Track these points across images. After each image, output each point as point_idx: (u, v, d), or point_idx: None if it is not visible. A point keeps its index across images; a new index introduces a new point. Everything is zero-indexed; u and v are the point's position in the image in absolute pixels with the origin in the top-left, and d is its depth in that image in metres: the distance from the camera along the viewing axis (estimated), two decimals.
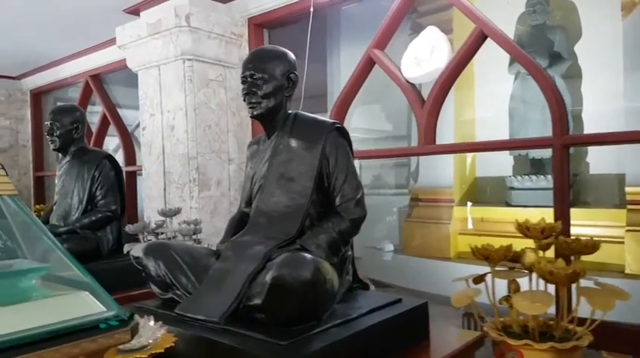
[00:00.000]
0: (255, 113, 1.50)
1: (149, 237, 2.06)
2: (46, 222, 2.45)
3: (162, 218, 2.10)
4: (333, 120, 1.51)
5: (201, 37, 2.80)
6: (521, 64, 2.09)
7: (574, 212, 1.92)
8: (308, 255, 1.23)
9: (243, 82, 1.51)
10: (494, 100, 3.96)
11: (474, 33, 2.06)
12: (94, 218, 2.35)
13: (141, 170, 3.39)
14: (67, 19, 3.38)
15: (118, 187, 2.48)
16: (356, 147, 1.68)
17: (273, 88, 1.48)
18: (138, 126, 3.89)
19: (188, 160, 2.87)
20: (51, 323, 0.79)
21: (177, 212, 2.12)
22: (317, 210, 1.45)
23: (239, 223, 1.63)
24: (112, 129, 4.45)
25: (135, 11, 3.11)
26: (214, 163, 2.96)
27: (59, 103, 2.35)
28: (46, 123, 2.40)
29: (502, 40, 2.03)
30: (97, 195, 2.39)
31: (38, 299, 0.89)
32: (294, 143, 1.49)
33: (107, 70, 3.99)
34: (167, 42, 2.81)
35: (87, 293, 0.90)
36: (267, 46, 1.49)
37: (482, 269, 1.48)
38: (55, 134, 2.36)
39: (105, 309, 0.87)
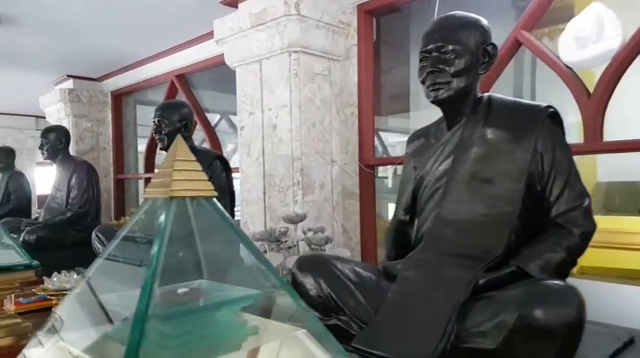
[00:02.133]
0: (442, 96, 1.21)
1: (270, 246, 1.82)
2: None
3: (285, 225, 1.86)
4: (545, 104, 1.19)
5: (309, 26, 2.56)
6: None
7: None
8: (560, 284, 0.92)
9: (424, 59, 1.22)
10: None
11: None
12: None
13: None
14: (151, 17, 3.25)
15: (229, 190, 2.27)
16: None
17: (466, 63, 1.19)
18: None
19: (292, 161, 2.63)
20: None
21: (303, 218, 1.87)
22: (522, 221, 1.14)
23: (400, 236, 1.34)
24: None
25: (232, 3, 2.92)
26: (318, 164, 2.71)
27: (167, 101, 2.19)
28: (153, 120, 2.22)
29: None
30: None
31: None
32: (491, 134, 1.18)
33: (193, 69, 3.85)
34: (272, 33, 2.60)
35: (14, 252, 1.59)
36: (456, 12, 1.21)
37: (612, 286, 1.16)
38: (163, 132, 2.18)
39: (22, 260, 1.53)
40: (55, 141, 3.05)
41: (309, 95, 2.65)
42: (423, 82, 1.24)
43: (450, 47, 1.17)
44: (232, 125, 4.99)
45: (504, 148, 1.14)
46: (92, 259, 2.23)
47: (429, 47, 1.20)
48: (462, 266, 1.07)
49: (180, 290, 0.72)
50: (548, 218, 1.13)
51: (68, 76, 4.64)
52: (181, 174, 0.70)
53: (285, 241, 1.83)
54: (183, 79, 4.04)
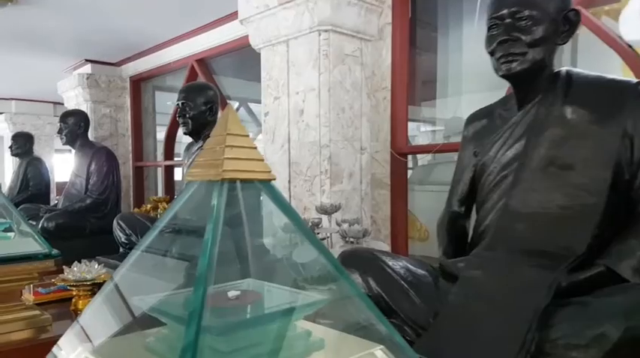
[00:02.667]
0: (516, 69, 1.05)
1: None
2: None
3: (318, 216, 1.73)
4: (635, 80, 1.03)
5: (340, 3, 2.41)
6: None
7: None
8: None
9: (494, 27, 1.07)
10: None
11: None
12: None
13: None
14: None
15: None
16: None
17: (545, 31, 1.03)
18: None
19: (319, 149, 2.50)
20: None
21: (337, 208, 1.74)
22: (606, 214, 0.99)
23: (456, 230, 1.20)
24: None
25: None
26: (347, 152, 2.57)
27: (191, 83, 2.06)
28: (176, 103, 2.10)
29: None
30: None
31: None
32: (572, 113, 1.02)
33: (215, 53, 3.72)
34: (301, 11, 2.45)
35: (32, 239, 1.51)
36: None
37: None
38: (187, 116, 2.06)
39: (41, 249, 1.47)
40: (74, 126, 2.96)
41: (338, 78, 2.51)
42: (492, 54, 1.09)
43: (527, 13, 1.01)
44: (251, 112, 4.86)
45: (588, 130, 0.99)
46: (112, 248, 2.16)
47: (501, 12, 1.04)
48: (539, 265, 0.92)
49: (231, 293, 0.60)
50: (636, 211, 0.98)
51: (86, 60, 4.55)
52: (234, 151, 0.56)
53: (317, 233, 1.70)
54: (203, 63, 3.91)
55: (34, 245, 1.55)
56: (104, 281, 1.73)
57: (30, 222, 2.84)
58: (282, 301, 0.62)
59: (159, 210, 2.67)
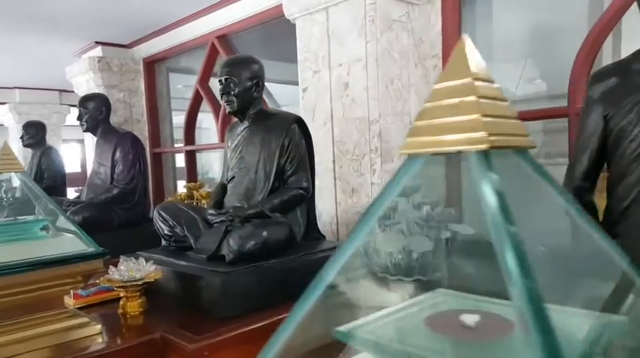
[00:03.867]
0: None
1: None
2: (221, 202, 1.96)
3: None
4: None
5: None
6: None
7: None
8: None
9: None
10: None
11: None
12: (285, 197, 1.82)
13: None
14: None
15: (309, 159, 1.94)
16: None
17: None
18: None
19: (368, 125, 2.28)
20: (49, 254, 1.27)
21: (417, 189, 1.53)
22: None
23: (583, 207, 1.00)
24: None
25: None
26: (397, 128, 2.36)
27: (233, 56, 1.84)
28: (219, 79, 1.88)
29: None
30: (286, 169, 1.85)
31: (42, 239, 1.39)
32: None
33: (237, 28, 3.48)
34: None
35: (75, 237, 1.40)
36: None
37: None
38: (232, 93, 1.84)
39: (87, 248, 1.36)
40: (95, 111, 2.75)
41: (386, 46, 2.28)
42: None
43: None
44: (270, 95, 4.61)
45: None
46: (143, 240, 1.96)
47: None
48: None
49: (467, 319, 0.39)
50: None
51: (97, 42, 4.31)
52: (489, 106, 0.36)
53: (392, 218, 1.50)
54: (225, 40, 3.67)
55: (77, 243, 1.36)
56: (155, 280, 1.55)
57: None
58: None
59: (195, 198, 2.48)
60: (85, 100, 2.76)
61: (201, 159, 4.98)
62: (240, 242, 1.62)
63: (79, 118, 2.74)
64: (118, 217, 2.61)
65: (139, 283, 1.50)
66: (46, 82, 6.28)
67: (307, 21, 2.47)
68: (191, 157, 4.29)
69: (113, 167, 2.69)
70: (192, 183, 2.54)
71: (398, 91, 2.35)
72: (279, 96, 4.48)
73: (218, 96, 3.82)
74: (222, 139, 3.79)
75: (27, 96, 6.50)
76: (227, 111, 1.92)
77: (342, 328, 0.44)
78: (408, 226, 1.49)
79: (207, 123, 5.39)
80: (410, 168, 0.40)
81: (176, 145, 4.77)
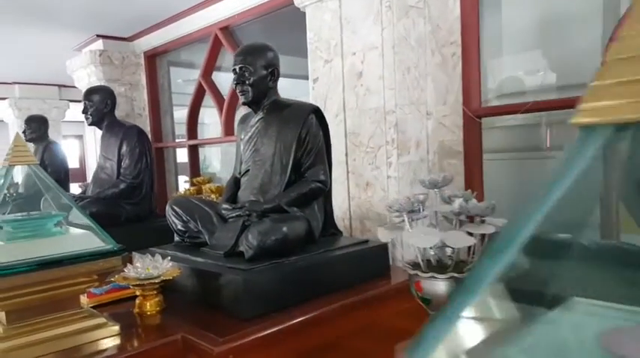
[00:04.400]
0: None
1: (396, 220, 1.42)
2: (234, 197, 1.89)
3: (424, 190, 1.45)
4: None
5: None
6: None
7: None
8: None
9: None
10: None
11: None
12: (303, 191, 1.76)
13: None
14: None
15: (326, 151, 1.87)
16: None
17: None
18: None
19: (384, 116, 2.22)
20: (65, 252, 1.21)
21: (449, 180, 1.46)
22: None
23: None
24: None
25: None
26: (413, 118, 2.29)
27: (248, 44, 1.76)
28: (233, 68, 1.81)
29: None
30: (303, 161, 1.79)
31: (57, 235, 1.29)
32: None
33: (242, 18, 3.39)
34: None
35: (92, 233, 1.31)
36: None
37: None
38: (247, 82, 1.77)
39: (104, 244, 1.28)
40: (100, 104, 2.67)
41: (403, 33, 2.21)
42: None
43: None
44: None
45: None
46: (151, 236, 1.91)
47: None
48: None
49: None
50: None
51: (98, 35, 4.22)
52: None
53: (420, 211, 1.44)
54: (228, 32, 3.59)
55: (93, 239, 1.29)
56: (172, 278, 1.48)
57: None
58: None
59: (204, 192, 2.41)
60: (89, 93, 2.68)
61: (202, 154, 4.90)
62: (259, 237, 1.55)
63: (84, 111, 2.66)
64: (125, 212, 2.54)
65: (156, 281, 1.44)
66: (46, 77, 6.19)
67: (318, 9, 2.39)
68: (194, 152, 4.22)
69: (120, 161, 2.62)
70: (201, 178, 2.46)
71: (415, 80, 2.28)
72: (282, 90, 4.40)
73: (221, 90, 3.76)
74: (226, 133, 3.71)
75: (27, 92, 6.41)
76: (241, 102, 1.85)
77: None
78: (437, 219, 1.43)
79: (208, 119, 5.32)
80: (589, 145, 0.31)
81: (177, 140, 4.70)
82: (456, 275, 1.33)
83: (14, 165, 1.26)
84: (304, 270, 1.56)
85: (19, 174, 1.39)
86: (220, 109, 3.71)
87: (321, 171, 1.81)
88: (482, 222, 1.37)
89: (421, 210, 1.42)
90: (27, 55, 4.90)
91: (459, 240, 1.27)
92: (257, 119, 1.88)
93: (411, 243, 1.27)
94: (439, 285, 1.36)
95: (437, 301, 1.38)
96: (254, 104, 1.85)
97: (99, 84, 4.14)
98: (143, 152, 2.64)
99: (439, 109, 2.40)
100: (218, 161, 6.25)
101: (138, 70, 4.47)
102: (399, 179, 2.22)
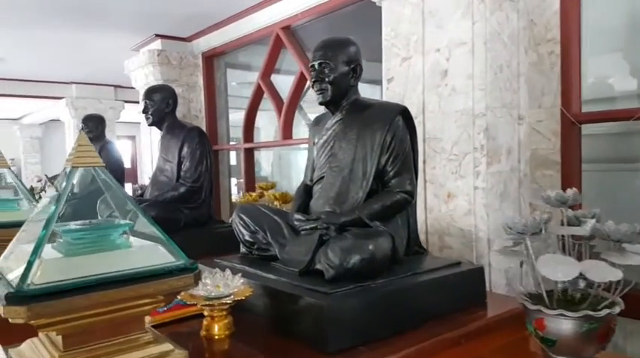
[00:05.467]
0: None
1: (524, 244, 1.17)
2: (305, 206, 1.70)
3: (548, 207, 1.21)
4: None
5: None
6: None
7: None
8: None
9: None
10: None
11: None
12: (387, 203, 1.54)
13: None
14: None
15: (413, 158, 1.65)
16: None
17: None
18: None
19: (472, 119, 1.97)
20: (131, 268, 1.02)
21: (578, 199, 1.21)
22: None
23: None
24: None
25: None
26: (505, 123, 2.04)
27: (328, 38, 1.57)
28: (311, 64, 1.63)
29: None
30: (387, 169, 1.57)
31: (122, 248, 1.09)
32: None
33: (305, 16, 3.23)
34: None
35: (161, 246, 1.12)
36: None
37: None
38: (326, 79, 1.58)
39: (175, 260, 1.09)
40: (162, 104, 2.55)
41: (496, 28, 1.97)
42: None
43: None
44: None
45: None
46: (211, 243, 1.68)
47: None
48: None
49: None
50: None
51: (156, 35, 4.17)
52: None
53: (542, 233, 1.19)
54: (290, 31, 3.43)
55: (162, 253, 1.12)
56: (245, 298, 1.30)
57: (114, 214, 2.48)
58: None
59: (265, 198, 2.23)
60: (150, 92, 2.57)
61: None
62: (342, 255, 1.35)
63: (145, 111, 2.55)
64: (185, 217, 2.41)
65: (228, 301, 1.25)
66: (103, 78, 6.26)
67: (398, 2, 2.18)
68: (249, 155, 4.09)
69: (180, 163, 2.49)
70: (264, 183, 2.29)
71: (507, 80, 2.03)
72: None
73: (281, 91, 3.59)
74: (284, 137, 3.55)
75: (83, 91, 6.51)
76: (318, 102, 1.66)
77: None
78: (563, 244, 1.18)
79: (257, 122, 5.20)
80: None
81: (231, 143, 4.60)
82: (591, 313, 1.08)
83: (77, 167, 1.10)
84: (394, 296, 1.34)
85: (76, 174, 1.23)
86: (279, 112, 3.55)
87: (407, 181, 1.58)
88: (622, 249, 1.11)
89: (542, 231, 1.18)
90: (84, 55, 4.94)
91: (604, 273, 1.02)
92: (335, 121, 1.68)
93: (543, 273, 1.03)
94: (567, 324, 1.11)
95: (563, 343, 1.13)
96: (332, 104, 1.65)
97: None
98: (204, 154, 2.50)
99: (533, 113, 2.14)
100: (269, 164, 6.14)
101: (195, 71, 4.39)
102: (488, 191, 1.96)
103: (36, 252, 0.99)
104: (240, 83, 5.01)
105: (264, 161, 6.21)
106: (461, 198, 2.02)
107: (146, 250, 1.13)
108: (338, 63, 1.59)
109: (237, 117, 4.52)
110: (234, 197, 4.43)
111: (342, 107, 1.66)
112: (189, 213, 2.47)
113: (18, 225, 1.61)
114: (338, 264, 1.35)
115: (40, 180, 4.36)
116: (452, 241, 2.06)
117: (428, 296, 1.43)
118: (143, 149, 5.91)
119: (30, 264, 0.98)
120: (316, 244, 1.47)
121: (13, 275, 1.01)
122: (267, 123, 5.62)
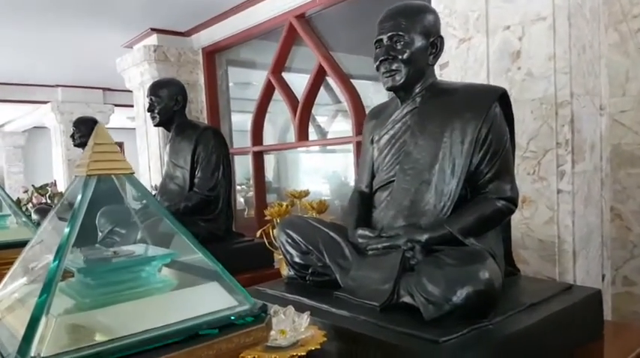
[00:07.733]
0: None
1: None
2: (366, 220, 1.35)
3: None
4: None
5: None
6: None
7: None
8: None
9: None
10: None
11: None
12: (486, 213, 1.20)
13: None
14: None
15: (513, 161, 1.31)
16: None
17: None
18: None
19: (555, 108, 1.65)
20: (179, 322, 0.68)
21: None
22: None
23: None
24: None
25: None
26: (588, 113, 1.72)
27: (401, 3, 1.24)
28: (378, 38, 1.29)
29: None
30: (482, 170, 1.23)
31: (164, 292, 0.75)
32: None
33: (323, 3, 2.89)
34: None
35: (216, 283, 0.78)
36: None
37: None
38: (399, 57, 1.26)
39: (237, 303, 0.75)
40: (169, 100, 2.18)
41: (579, 1, 1.65)
42: None
43: None
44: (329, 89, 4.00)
45: None
46: (231, 259, 1.29)
47: None
48: None
49: None
50: None
51: (152, 29, 3.79)
52: None
53: None
54: (305, 20, 3.09)
55: (218, 295, 0.78)
56: (318, 348, 0.95)
57: (117, 229, 2.10)
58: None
59: (297, 207, 1.88)
60: (156, 87, 2.20)
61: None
62: (448, 288, 1.01)
63: (150, 109, 2.18)
64: (202, 230, 2.04)
65: (301, 353, 0.90)
66: (90, 80, 5.85)
67: None
68: (259, 159, 3.73)
69: (193, 170, 2.13)
70: (296, 191, 1.94)
71: (590, 64, 1.72)
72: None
73: (293, 88, 3.24)
74: (300, 138, 3.21)
75: (70, 95, 6.09)
76: (386, 87, 1.31)
77: None
78: None
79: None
80: None
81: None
82: None
83: (94, 176, 0.74)
84: (519, 340, 1.00)
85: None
86: (294, 110, 3.20)
87: (508, 185, 1.24)
88: None
89: None
90: (70, 56, 4.53)
91: None
92: (406, 111, 1.34)
93: None
94: None
95: None
96: (403, 89, 1.31)
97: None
98: (220, 159, 2.15)
99: (614, 102, 1.82)
100: (271, 169, 5.77)
101: (195, 68, 4.02)
102: (574, 194, 1.64)
103: (43, 305, 0.63)
104: (236, 83, 4.65)
105: (269, 166, 5.85)
106: (541, 203, 1.69)
107: (196, 292, 0.78)
108: (414, 36, 1.25)
109: (235, 120, 4.17)
110: (245, 214, 4.09)
111: (415, 93, 1.32)
112: (205, 225, 2.11)
113: (8, 246, 1.27)
114: (442, 298, 1.00)
115: (26, 191, 3.93)
116: (528, 255, 1.74)
117: (550, 334, 1.09)
118: (130, 157, 5.50)
119: (34, 324, 0.62)
120: (398, 269, 1.13)
121: (9, 342, 0.66)
122: (268, 125, 5.26)
